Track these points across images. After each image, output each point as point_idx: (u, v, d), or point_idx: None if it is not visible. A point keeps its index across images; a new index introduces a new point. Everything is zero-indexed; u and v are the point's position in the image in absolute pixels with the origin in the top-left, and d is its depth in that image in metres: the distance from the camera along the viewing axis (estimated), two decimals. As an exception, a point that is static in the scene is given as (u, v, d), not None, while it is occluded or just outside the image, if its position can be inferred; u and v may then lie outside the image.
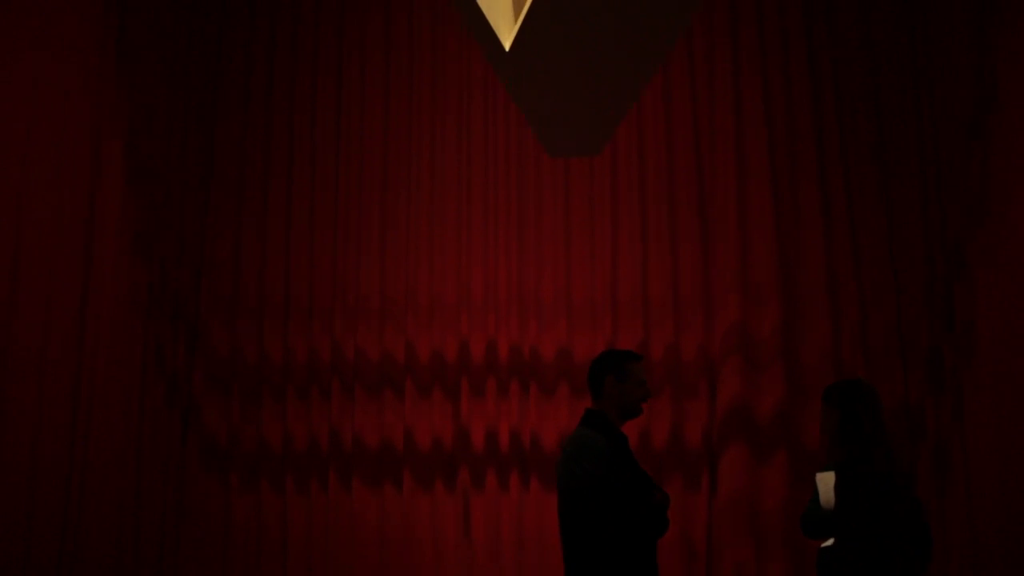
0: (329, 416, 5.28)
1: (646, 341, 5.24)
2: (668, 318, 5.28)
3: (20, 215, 3.76)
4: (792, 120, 5.37)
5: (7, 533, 3.81)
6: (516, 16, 2.37)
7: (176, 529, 5.14)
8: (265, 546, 5.22)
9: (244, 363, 5.36)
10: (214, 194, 5.52)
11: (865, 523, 3.20)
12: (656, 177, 5.40)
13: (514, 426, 5.22)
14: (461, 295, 5.38)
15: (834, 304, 5.16)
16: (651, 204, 5.39)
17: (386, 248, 5.45)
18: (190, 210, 5.41)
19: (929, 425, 4.94)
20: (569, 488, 3.30)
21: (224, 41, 5.65)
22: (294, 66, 5.63)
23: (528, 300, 5.36)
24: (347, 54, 5.63)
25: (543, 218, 5.43)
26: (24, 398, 3.84)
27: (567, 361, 5.25)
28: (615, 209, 5.39)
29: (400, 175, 5.51)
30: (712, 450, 5.14)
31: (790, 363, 5.13)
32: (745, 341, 5.16)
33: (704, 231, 5.37)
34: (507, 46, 2.25)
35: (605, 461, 3.29)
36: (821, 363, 5.09)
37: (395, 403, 5.30)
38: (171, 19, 5.22)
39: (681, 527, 4.96)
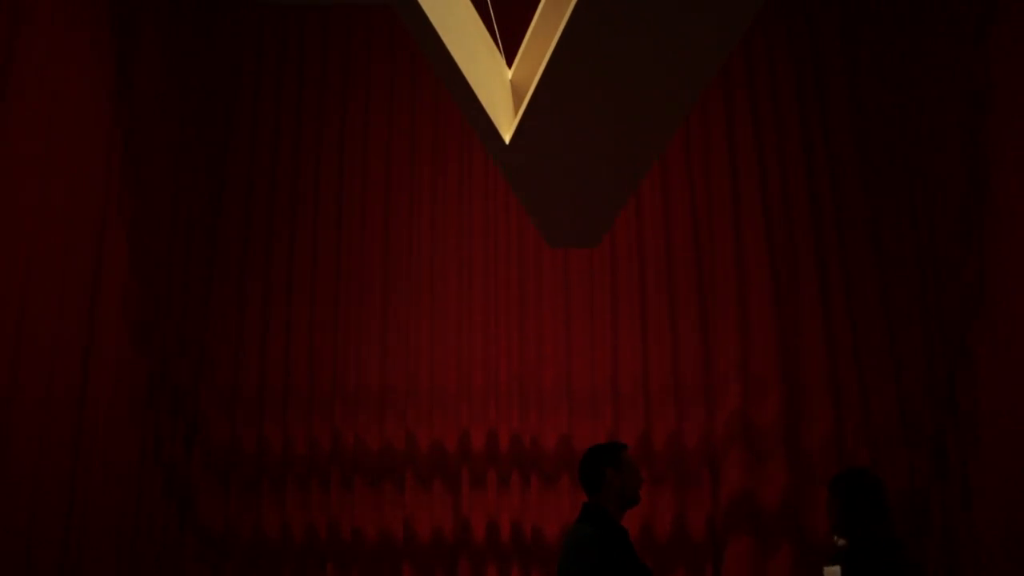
0: (328, 507, 5.21)
1: (647, 430, 5.21)
2: (669, 407, 5.26)
3: (24, 299, 3.78)
4: (789, 209, 5.45)
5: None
6: (516, 109, 2.42)
7: (171, 623, 5.03)
8: (261, 641, 5.12)
9: (243, 453, 5.32)
10: (216, 284, 5.56)
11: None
12: (655, 267, 5.45)
13: (515, 517, 5.15)
14: (462, 384, 5.37)
15: (835, 392, 5.15)
16: (651, 294, 5.42)
17: (387, 337, 5.46)
18: (192, 300, 5.43)
19: (935, 512, 4.88)
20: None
21: (229, 135, 5.76)
22: (296, 158, 5.73)
23: (529, 389, 5.35)
24: (350, 147, 5.73)
25: (543, 307, 5.46)
26: (21, 485, 3.79)
27: (568, 451, 5.21)
28: (615, 298, 5.42)
29: (401, 264, 5.56)
30: (716, 540, 5.06)
31: (793, 452, 5.09)
32: (747, 430, 5.14)
33: (704, 320, 5.39)
34: (507, 139, 2.29)
35: (602, 558, 3.26)
36: (824, 451, 5.06)
37: (395, 494, 5.24)
38: (177, 113, 5.32)
39: (686, 621, 4.86)
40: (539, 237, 5.17)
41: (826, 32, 5.71)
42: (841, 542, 3.39)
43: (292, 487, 5.27)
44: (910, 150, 5.32)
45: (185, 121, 5.43)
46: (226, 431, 5.34)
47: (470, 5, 2.42)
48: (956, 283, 4.84)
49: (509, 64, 2.50)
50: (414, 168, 5.70)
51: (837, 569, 3.34)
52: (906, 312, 5.20)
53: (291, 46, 5.90)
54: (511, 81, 2.44)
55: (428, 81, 5.75)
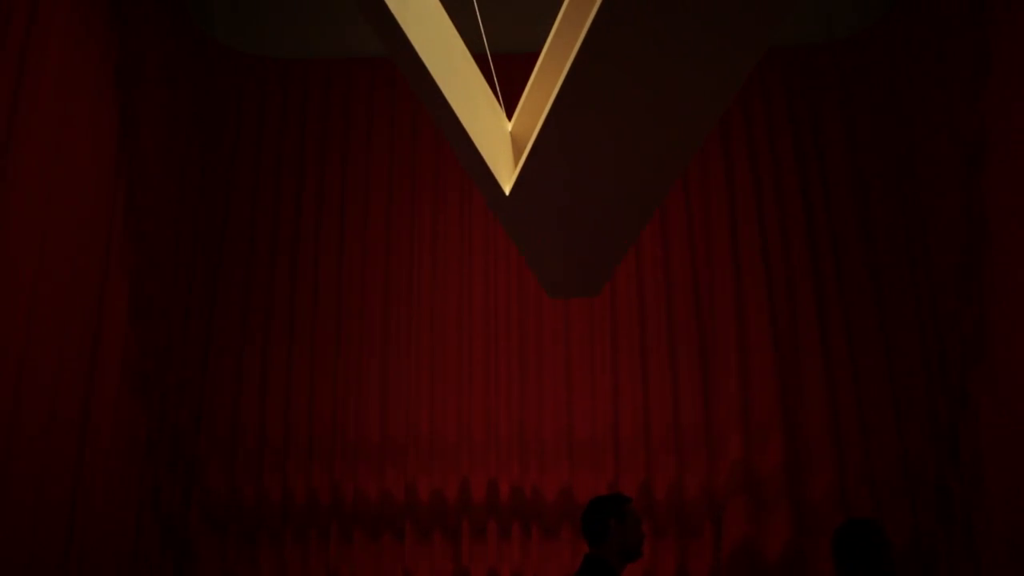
0: (327, 559, 5.16)
1: (648, 480, 5.18)
2: (670, 457, 5.23)
3: (24, 348, 3.78)
4: (789, 258, 5.47)
5: None
6: (516, 161, 2.44)
7: None
8: None
9: (242, 504, 5.28)
10: (215, 335, 5.56)
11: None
12: (656, 317, 5.46)
13: (516, 568, 5.10)
14: (462, 434, 5.35)
15: (837, 442, 5.13)
16: (651, 344, 5.42)
17: (387, 387, 5.45)
18: (191, 350, 5.43)
19: (941, 562, 4.83)
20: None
21: (231, 185, 5.80)
22: (298, 208, 5.76)
23: (529, 440, 5.33)
24: (351, 197, 5.77)
25: (544, 357, 5.46)
26: (19, 534, 3.76)
27: (569, 502, 5.17)
28: (615, 348, 5.42)
29: (401, 314, 5.56)
30: (719, 593, 5.01)
31: (795, 502, 5.06)
32: (749, 480, 5.11)
33: (705, 370, 5.39)
34: (507, 191, 2.31)
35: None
36: (827, 501, 5.02)
37: (394, 545, 5.19)
38: (180, 163, 5.36)
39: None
40: (539, 287, 5.19)
41: (823, 88, 5.79)
42: None
43: (291, 538, 5.23)
44: (909, 202, 5.36)
45: (187, 171, 5.47)
46: (225, 482, 5.31)
47: (470, 57, 2.45)
48: (956, 332, 4.84)
49: (509, 116, 2.53)
50: (415, 218, 5.73)
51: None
52: (908, 362, 5.20)
53: (293, 96, 5.97)
54: (511, 133, 2.47)
55: (429, 132, 5.81)
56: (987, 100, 4.47)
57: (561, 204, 2.44)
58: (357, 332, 5.55)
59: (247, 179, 5.81)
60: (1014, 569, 4.27)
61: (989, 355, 4.53)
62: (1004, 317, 4.40)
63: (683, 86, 1.99)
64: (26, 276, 3.76)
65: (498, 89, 2.66)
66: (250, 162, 5.84)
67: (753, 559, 4.96)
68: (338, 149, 5.87)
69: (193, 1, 5.63)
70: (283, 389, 5.44)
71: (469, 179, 5.19)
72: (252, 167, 5.83)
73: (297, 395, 5.44)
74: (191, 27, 5.59)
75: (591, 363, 5.42)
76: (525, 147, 2.25)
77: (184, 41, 5.48)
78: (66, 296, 4.08)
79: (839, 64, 5.81)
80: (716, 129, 5.66)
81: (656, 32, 1.81)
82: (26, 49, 3.69)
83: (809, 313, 5.35)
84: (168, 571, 5.05)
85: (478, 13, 2.89)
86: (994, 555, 4.46)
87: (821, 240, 5.50)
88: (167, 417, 5.13)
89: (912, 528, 4.93)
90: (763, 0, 1.77)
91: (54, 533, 4.03)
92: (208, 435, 5.38)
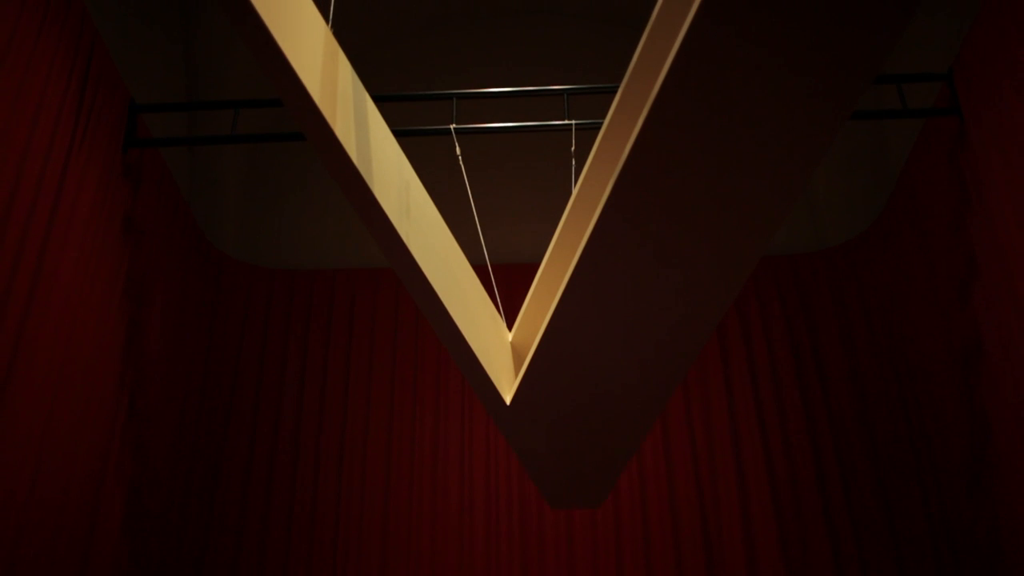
0: None
1: None
2: None
3: (12, 567, 3.66)
4: (794, 471, 5.40)
5: None
6: (516, 371, 2.45)
7: None
8: None
9: None
10: (211, 550, 5.40)
11: None
12: (660, 527, 5.33)
13: None
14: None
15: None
16: (656, 554, 5.26)
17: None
18: (185, 565, 5.25)
19: None
20: None
21: (234, 397, 5.79)
22: (298, 420, 5.73)
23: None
24: (352, 406, 5.76)
25: (546, 567, 5.29)
26: None
27: None
28: (620, 559, 5.26)
29: (401, 526, 5.43)
30: None
31: None
32: None
33: (712, 582, 5.22)
34: (508, 400, 2.31)
35: None
36: None
37: None
38: (184, 375, 5.38)
39: None
40: (541, 498, 5.09)
41: (816, 295, 5.90)
42: None
43: None
44: (910, 407, 5.35)
45: (191, 384, 5.48)
46: None
47: (471, 270, 2.51)
48: (969, 539, 4.70)
49: (509, 326, 2.56)
50: (415, 429, 5.70)
51: None
52: (918, 568, 5.05)
53: (298, 306, 6.06)
54: (512, 343, 2.50)
55: (431, 341, 5.87)
56: (976, 303, 4.54)
57: (562, 413, 2.43)
58: (355, 543, 5.39)
59: (250, 390, 5.81)
60: None
61: (1007, 564, 4.39)
62: (1012, 525, 4.29)
63: (680, 300, 2.03)
64: (22, 482, 3.70)
65: (498, 300, 2.71)
66: (254, 371, 5.86)
67: None
68: (341, 357, 5.91)
69: (203, 217, 5.82)
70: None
71: (470, 388, 5.20)
72: (255, 378, 5.84)
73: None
74: (201, 241, 5.76)
75: (595, 573, 5.24)
76: (526, 357, 2.27)
77: (194, 254, 5.63)
78: (59, 508, 3.99)
79: (831, 270, 5.94)
80: (714, 338, 5.72)
81: (653, 247, 1.86)
82: (42, 263, 3.78)
83: (817, 520, 5.23)
84: None
85: (478, 225, 2.99)
86: None
87: (824, 449, 5.44)
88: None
89: None
90: (755, 220, 1.84)
91: None
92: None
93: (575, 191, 2.36)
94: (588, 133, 3.54)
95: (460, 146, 3.11)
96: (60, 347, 3.93)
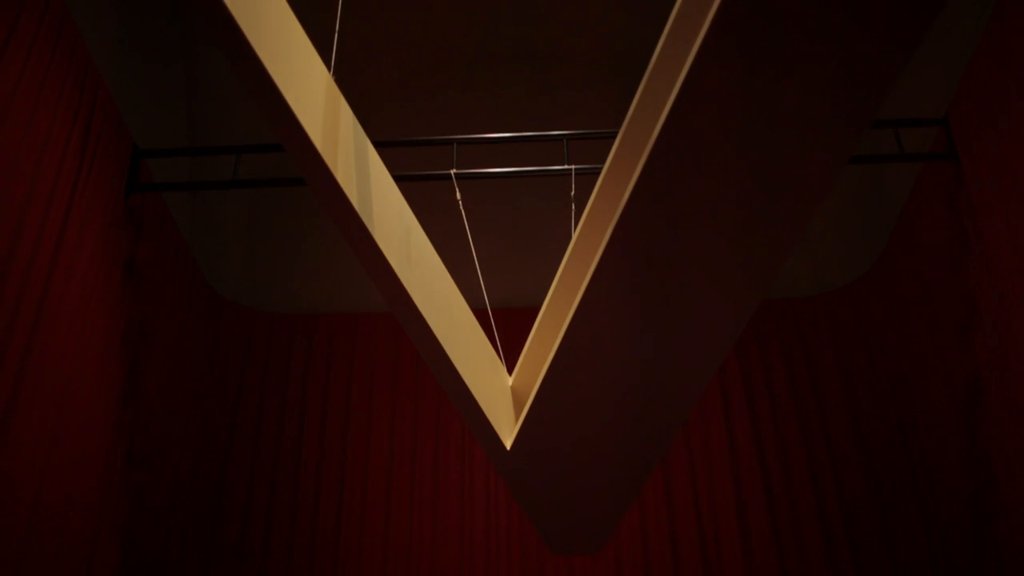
0: None
1: None
2: None
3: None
4: (795, 511, 5.37)
5: None
6: (516, 416, 2.45)
7: None
8: None
9: None
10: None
11: None
12: (661, 570, 5.28)
13: None
14: None
15: None
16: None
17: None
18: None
19: None
20: None
21: (232, 442, 5.76)
22: (297, 466, 5.70)
23: None
24: (352, 453, 5.73)
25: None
26: None
27: None
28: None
29: (400, 569, 5.38)
30: None
31: None
32: None
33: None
34: (508, 445, 2.30)
35: None
36: None
37: None
38: (183, 419, 5.36)
39: None
40: (542, 543, 5.05)
41: (816, 337, 5.90)
42: None
43: None
44: (913, 449, 5.32)
45: (190, 428, 5.46)
46: None
47: (471, 315, 2.51)
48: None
49: (510, 370, 2.56)
50: (415, 472, 5.67)
51: None
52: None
53: (298, 350, 6.06)
54: (512, 388, 2.49)
55: (431, 386, 5.85)
56: (977, 344, 4.54)
57: (563, 457, 2.42)
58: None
59: (249, 434, 5.79)
60: None
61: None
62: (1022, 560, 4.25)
63: (680, 345, 2.03)
64: (18, 527, 3.67)
65: (498, 343, 2.71)
66: (253, 415, 5.84)
67: None
68: (341, 403, 5.89)
69: (205, 261, 5.83)
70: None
71: (470, 433, 5.19)
72: (255, 422, 5.82)
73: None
74: (202, 285, 5.77)
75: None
76: (526, 402, 2.27)
77: (195, 298, 5.63)
78: (55, 555, 3.96)
79: (831, 312, 5.94)
80: (714, 380, 5.71)
81: (652, 292, 1.87)
82: (43, 306, 3.78)
83: (820, 564, 5.19)
84: None
85: (478, 269, 3.00)
86: None
87: (827, 492, 5.41)
88: None
89: None
90: (755, 266, 1.84)
91: None
92: None
93: (575, 236, 2.38)
94: (588, 178, 3.57)
95: (460, 191, 3.13)
96: (59, 390, 3.92)
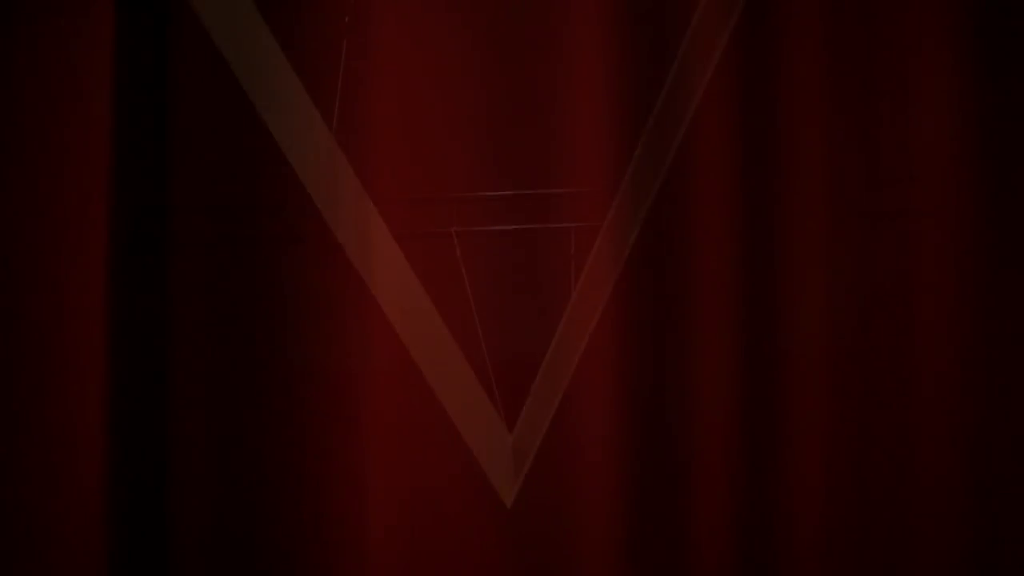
0: None
1: None
2: None
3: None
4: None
5: None
6: (517, 471, 2.41)
7: None
8: None
9: None
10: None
11: None
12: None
13: None
14: None
15: None
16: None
17: None
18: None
19: None
20: None
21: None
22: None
23: None
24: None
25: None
26: None
27: None
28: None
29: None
30: None
31: None
32: None
33: None
34: (508, 504, 2.27)
35: None
36: None
37: None
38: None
39: None
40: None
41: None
42: None
43: None
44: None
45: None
46: None
47: (467, 365, 2.49)
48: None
49: (510, 429, 2.53)
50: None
51: None
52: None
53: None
54: (512, 447, 2.46)
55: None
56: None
57: (566, 516, 2.38)
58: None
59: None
60: None
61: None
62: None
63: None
64: None
65: (498, 399, 2.67)
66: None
67: None
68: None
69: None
70: None
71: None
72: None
73: None
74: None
75: None
76: (526, 460, 2.23)
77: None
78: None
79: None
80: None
81: (649, 350, 1.85)
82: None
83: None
84: None
85: (478, 326, 2.97)
86: None
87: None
88: None
89: None
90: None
91: None
92: None
93: (575, 293, 2.36)
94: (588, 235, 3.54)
95: (459, 248, 3.11)
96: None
